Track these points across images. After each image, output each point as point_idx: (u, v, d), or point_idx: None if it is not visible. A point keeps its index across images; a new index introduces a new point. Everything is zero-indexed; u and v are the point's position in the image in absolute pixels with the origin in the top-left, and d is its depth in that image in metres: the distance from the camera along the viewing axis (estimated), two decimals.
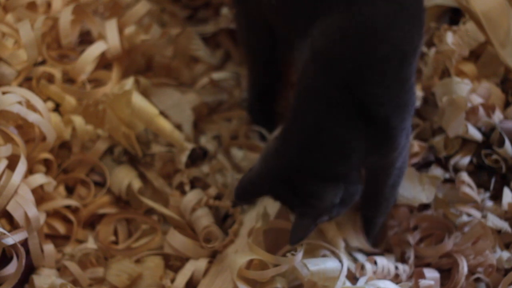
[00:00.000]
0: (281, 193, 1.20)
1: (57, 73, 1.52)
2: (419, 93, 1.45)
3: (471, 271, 1.32)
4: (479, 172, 1.45)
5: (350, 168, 1.19)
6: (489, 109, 1.45)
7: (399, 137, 1.20)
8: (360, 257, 1.34)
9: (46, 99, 1.51)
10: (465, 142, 1.45)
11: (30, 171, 1.41)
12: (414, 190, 1.38)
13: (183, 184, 1.47)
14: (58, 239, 1.43)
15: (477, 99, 1.45)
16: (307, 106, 1.20)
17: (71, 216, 1.43)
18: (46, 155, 1.44)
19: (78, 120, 1.49)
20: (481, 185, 1.43)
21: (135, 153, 1.50)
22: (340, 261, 1.26)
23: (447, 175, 1.43)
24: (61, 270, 1.37)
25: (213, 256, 1.37)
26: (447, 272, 1.35)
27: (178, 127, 1.52)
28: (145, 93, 1.53)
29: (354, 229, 1.35)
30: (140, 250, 1.40)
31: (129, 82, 1.52)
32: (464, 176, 1.41)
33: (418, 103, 1.44)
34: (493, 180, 1.43)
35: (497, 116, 1.44)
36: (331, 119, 1.17)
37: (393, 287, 1.25)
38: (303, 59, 1.24)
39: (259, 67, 1.53)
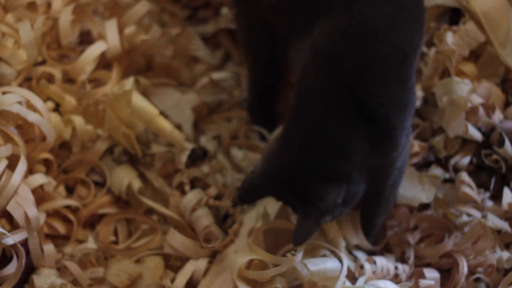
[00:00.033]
0: (283, 194, 1.20)
1: (57, 73, 1.52)
2: (419, 93, 1.45)
3: (471, 271, 1.32)
4: (479, 172, 1.45)
5: (351, 168, 1.19)
6: (489, 109, 1.44)
7: (399, 137, 1.20)
8: (360, 256, 1.34)
9: (46, 99, 1.51)
10: (465, 142, 1.45)
11: (30, 171, 1.41)
12: (414, 190, 1.38)
13: (183, 184, 1.47)
14: (58, 239, 1.43)
15: (477, 99, 1.45)
16: (308, 106, 1.20)
17: (71, 216, 1.43)
18: (46, 155, 1.44)
19: (78, 120, 1.49)
20: (481, 185, 1.43)
21: (135, 153, 1.50)
22: (340, 261, 1.26)
23: (447, 175, 1.43)
24: (61, 270, 1.37)
25: (213, 256, 1.37)
26: (447, 272, 1.35)
27: (178, 127, 1.52)
28: (145, 93, 1.53)
29: (354, 227, 1.35)
30: (140, 250, 1.40)
31: (129, 82, 1.52)
32: (464, 176, 1.41)
33: (418, 103, 1.44)
34: (493, 180, 1.43)
35: (497, 116, 1.44)
36: (331, 119, 1.17)
37: (393, 287, 1.25)
38: (303, 59, 1.24)
39: (259, 67, 1.53)
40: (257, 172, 1.21)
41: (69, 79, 1.55)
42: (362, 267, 1.29)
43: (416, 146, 1.43)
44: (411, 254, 1.36)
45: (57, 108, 1.53)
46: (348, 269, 1.27)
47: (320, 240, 1.32)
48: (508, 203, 1.38)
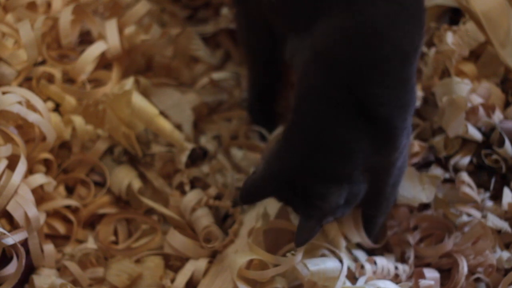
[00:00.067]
0: (285, 195, 1.20)
1: (57, 73, 1.52)
2: (419, 93, 1.45)
3: (471, 271, 1.32)
4: (479, 172, 1.45)
5: (352, 169, 1.19)
6: (489, 109, 1.44)
7: (400, 137, 1.20)
8: (361, 256, 1.34)
9: (46, 99, 1.51)
10: (465, 142, 1.45)
11: (30, 171, 1.41)
12: (414, 190, 1.38)
13: (183, 184, 1.47)
14: (58, 239, 1.43)
15: (477, 99, 1.45)
16: (308, 107, 1.20)
17: (71, 216, 1.43)
18: (46, 155, 1.44)
19: (78, 120, 1.49)
20: (481, 185, 1.43)
21: (135, 153, 1.50)
22: (340, 261, 1.26)
23: (447, 175, 1.43)
24: (61, 270, 1.37)
25: (213, 256, 1.37)
26: (447, 272, 1.35)
27: (178, 127, 1.52)
28: (145, 93, 1.53)
29: (356, 225, 1.35)
30: (140, 250, 1.40)
31: (129, 82, 1.52)
32: (464, 176, 1.41)
33: (418, 103, 1.44)
34: (493, 180, 1.43)
35: (497, 116, 1.44)
36: (332, 119, 1.17)
37: (393, 287, 1.25)
38: (303, 59, 1.24)
39: (259, 67, 1.53)
40: (258, 173, 1.21)
41: (69, 79, 1.55)
42: (362, 267, 1.29)
43: (416, 146, 1.43)
44: (411, 254, 1.36)
45: (57, 108, 1.53)
46: (348, 269, 1.27)
47: (320, 240, 1.32)
48: (508, 203, 1.38)
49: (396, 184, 1.32)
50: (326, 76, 1.19)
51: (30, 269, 1.34)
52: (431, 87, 1.47)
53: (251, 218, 1.39)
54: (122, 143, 1.48)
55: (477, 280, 1.33)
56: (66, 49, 1.54)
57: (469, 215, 1.39)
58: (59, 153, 1.50)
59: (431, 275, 1.31)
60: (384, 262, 1.31)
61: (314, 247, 1.31)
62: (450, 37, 1.47)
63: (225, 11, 1.68)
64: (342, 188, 1.18)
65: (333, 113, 1.17)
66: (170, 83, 1.61)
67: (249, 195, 1.22)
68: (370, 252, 1.36)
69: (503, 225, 1.36)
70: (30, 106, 1.36)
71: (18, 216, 1.27)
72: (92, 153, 1.49)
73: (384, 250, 1.39)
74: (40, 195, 1.40)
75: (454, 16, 1.57)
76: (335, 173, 1.18)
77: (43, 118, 1.36)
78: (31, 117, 1.34)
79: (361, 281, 1.27)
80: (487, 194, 1.42)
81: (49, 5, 1.59)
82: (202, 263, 1.35)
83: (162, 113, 1.50)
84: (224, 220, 1.45)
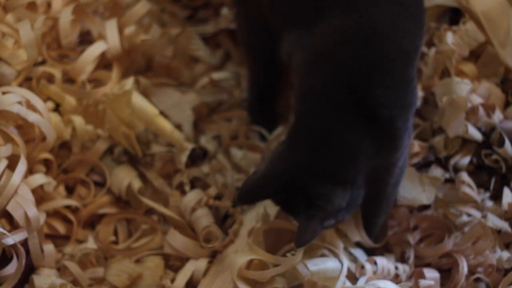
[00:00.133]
0: (286, 197, 1.20)
1: (57, 73, 1.52)
2: (419, 93, 1.45)
3: (471, 271, 1.32)
4: (479, 172, 1.45)
5: (357, 171, 1.18)
6: (489, 109, 1.44)
7: (402, 138, 1.20)
8: (360, 256, 1.34)
9: (46, 99, 1.51)
10: (465, 142, 1.45)
11: (30, 171, 1.41)
12: (414, 191, 1.38)
13: (183, 184, 1.47)
14: (58, 239, 1.43)
15: (477, 99, 1.45)
16: (309, 107, 1.20)
17: (71, 216, 1.43)
18: (46, 155, 1.44)
19: (78, 120, 1.49)
20: (481, 185, 1.43)
21: (135, 153, 1.50)
22: (340, 261, 1.26)
23: (447, 175, 1.43)
24: (61, 270, 1.37)
25: (213, 256, 1.37)
26: (447, 272, 1.35)
27: (178, 127, 1.52)
28: (145, 93, 1.53)
29: (356, 224, 1.35)
30: (140, 250, 1.40)
31: (129, 82, 1.52)
32: (464, 176, 1.41)
33: (418, 103, 1.44)
34: (493, 180, 1.43)
35: (497, 116, 1.44)
36: (333, 120, 1.17)
37: (393, 287, 1.25)
38: (303, 59, 1.24)
39: (259, 67, 1.53)
40: (260, 174, 1.20)
41: (69, 79, 1.55)
42: (362, 267, 1.29)
43: (416, 146, 1.42)
44: (411, 254, 1.36)
45: (57, 108, 1.53)
46: (348, 269, 1.27)
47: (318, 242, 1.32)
48: (508, 203, 1.38)
49: (396, 184, 1.32)
50: (327, 76, 1.19)
51: (30, 269, 1.34)
52: (431, 87, 1.47)
53: (251, 218, 1.39)
54: (122, 143, 1.48)
55: (477, 280, 1.33)
56: (66, 49, 1.54)
57: (469, 215, 1.39)
58: (59, 153, 1.50)
59: (431, 275, 1.31)
60: (384, 262, 1.31)
61: (314, 247, 1.31)
62: (450, 37, 1.47)
63: (225, 11, 1.68)
64: (346, 191, 1.17)
65: (334, 114, 1.17)
66: (170, 83, 1.61)
67: (248, 195, 1.21)
68: (370, 252, 1.36)
69: (503, 225, 1.36)
70: (30, 106, 1.36)
71: (18, 216, 1.27)
72: (92, 153, 1.49)
73: (384, 250, 1.39)
74: (40, 195, 1.40)
75: (454, 16, 1.57)
76: (340, 176, 1.18)
77: (43, 118, 1.36)
78: (31, 117, 1.34)
79: (361, 281, 1.27)
80: (487, 194, 1.42)
81: (49, 5, 1.59)
82: (202, 263, 1.35)
83: (162, 113, 1.50)
84: (224, 220, 1.45)
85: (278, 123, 1.55)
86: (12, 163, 1.29)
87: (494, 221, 1.36)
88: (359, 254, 1.35)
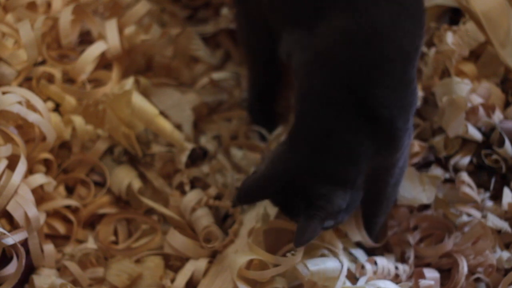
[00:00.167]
0: (286, 197, 1.20)
1: (57, 73, 1.52)
2: (419, 93, 1.45)
3: (471, 271, 1.32)
4: (479, 172, 1.45)
5: (357, 172, 1.18)
6: (489, 109, 1.44)
7: (402, 138, 1.20)
8: (360, 256, 1.34)
9: (46, 99, 1.51)
10: (465, 142, 1.45)
11: (30, 171, 1.41)
12: (414, 190, 1.38)
13: (183, 184, 1.47)
14: (58, 239, 1.43)
15: (477, 99, 1.45)
16: (309, 107, 1.20)
17: (71, 216, 1.43)
18: (46, 155, 1.44)
19: (78, 120, 1.49)
20: (481, 185, 1.43)
21: (135, 153, 1.50)
22: (340, 261, 1.26)
23: (447, 175, 1.43)
24: (61, 270, 1.37)
25: (213, 256, 1.37)
26: (447, 272, 1.35)
27: (178, 127, 1.52)
28: (145, 93, 1.53)
29: (356, 224, 1.35)
30: (140, 250, 1.40)
31: (129, 82, 1.52)
32: (464, 176, 1.41)
33: (418, 103, 1.44)
34: (493, 180, 1.43)
35: (497, 116, 1.44)
36: (333, 121, 1.17)
37: (393, 287, 1.25)
38: (303, 59, 1.24)
39: (259, 67, 1.53)
40: (259, 173, 1.20)
41: (69, 79, 1.55)
42: (363, 267, 1.29)
43: (416, 146, 1.42)
44: (411, 254, 1.36)
45: (57, 108, 1.53)
46: (348, 269, 1.27)
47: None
48: (508, 203, 1.38)
49: (397, 184, 1.32)
50: (327, 77, 1.19)
51: (30, 269, 1.34)
52: (431, 87, 1.47)
53: (251, 218, 1.39)
54: (122, 143, 1.48)
55: (477, 280, 1.33)
56: (66, 49, 1.54)
57: (469, 215, 1.39)
58: (59, 153, 1.50)
59: (431, 275, 1.31)
60: (384, 262, 1.31)
61: (314, 247, 1.31)
62: (450, 37, 1.47)
63: (225, 11, 1.68)
64: (346, 191, 1.17)
65: (334, 114, 1.17)
66: (170, 83, 1.61)
67: (247, 195, 1.21)
68: (370, 252, 1.36)
69: (503, 225, 1.36)
70: (30, 106, 1.36)
71: (18, 216, 1.27)
72: (92, 153, 1.49)
73: (384, 250, 1.39)
74: (40, 195, 1.40)
75: (454, 16, 1.57)
76: (341, 177, 1.18)
77: (43, 118, 1.36)
78: (31, 117, 1.34)
79: (361, 281, 1.27)
80: (487, 194, 1.42)
81: (49, 5, 1.59)
82: (202, 263, 1.35)
83: (162, 113, 1.50)
84: (224, 220, 1.45)
85: (278, 123, 1.55)
86: (12, 163, 1.29)
87: (494, 221, 1.36)
88: (359, 254, 1.35)
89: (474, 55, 1.52)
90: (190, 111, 1.55)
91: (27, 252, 1.30)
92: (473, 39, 1.48)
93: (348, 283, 1.25)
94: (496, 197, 1.42)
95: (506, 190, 1.40)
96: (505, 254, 1.34)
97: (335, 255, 1.29)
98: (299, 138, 1.20)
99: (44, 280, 1.30)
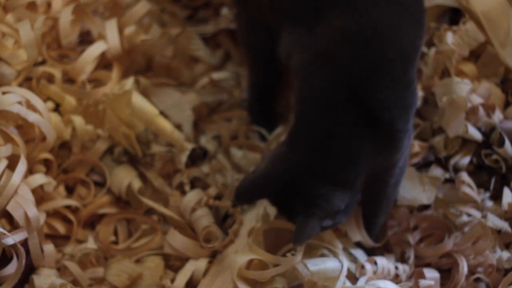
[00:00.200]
0: (285, 197, 1.20)
1: (57, 73, 1.52)
2: (419, 93, 1.45)
3: (471, 271, 1.32)
4: (479, 172, 1.45)
5: (357, 172, 1.18)
6: (489, 109, 1.45)
7: (403, 139, 1.20)
8: (360, 256, 1.34)
9: (46, 99, 1.51)
10: (465, 142, 1.45)
11: (30, 171, 1.41)
12: (414, 191, 1.38)
13: (183, 184, 1.47)
14: (58, 239, 1.43)
15: (477, 99, 1.45)
16: (309, 107, 1.20)
17: (71, 216, 1.43)
18: (46, 155, 1.44)
19: (78, 120, 1.49)
20: (481, 185, 1.43)
21: (135, 153, 1.50)
22: (340, 261, 1.26)
23: (447, 175, 1.43)
24: (61, 270, 1.37)
25: (213, 256, 1.37)
26: (447, 272, 1.35)
27: (178, 127, 1.52)
28: (145, 93, 1.53)
29: (356, 223, 1.35)
30: (140, 250, 1.40)
31: (129, 82, 1.52)
32: (464, 176, 1.41)
33: (418, 103, 1.44)
34: (493, 180, 1.43)
35: (497, 116, 1.44)
36: (335, 121, 1.17)
37: (393, 287, 1.25)
38: (303, 60, 1.24)
39: (259, 67, 1.53)
40: (259, 172, 1.20)
41: (69, 79, 1.55)
42: (362, 267, 1.29)
43: (416, 146, 1.43)
44: (411, 254, 1.36)
45: (57, 108, 1.53)
46: (348, 269, 1.27)
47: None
48: (508, 203, 1.38)
49: (397, 184, 1.32)
50: (327, 77, 1.19)
51: (30, 269, 1.34)
52: (431, 87, 1.47)
53: (251, 218, 1.39)
54: (122, 143, 1.48)
55: (477, 280, 1.33)
56: (66, 49, 1.54)
57: (469, 215, 1.39)
58: (59, 153, 1.50)
59: (431, 275, 1.31)
60: (384, 262, 1.31)
61: (314, 247, 1.31)
62: (450, 37, 1.47)
63: (225, 11, 1.68)
64: (345, 192, 1.18)
65: (334, 114, 1.17)
66: (170, 83, 1.61)
67: (246, 193, 1.21)
68: (370, 252, 1.36)
69: (503, 225, 1.36)
70: (30, 106, 1.36)
71: (18, 216, 1.27)
72: (92, 153, 1.49)
73: (384, 250, 1.39)
74: (40, 195, 1.40)
75: (454, 16, 1.57)
76: (341, 178, 1.18)
77: (43, 118, 1.36)
78: (31, 117, 1.34)
79: (361, 281, 1.27)
80: (487, 194, 1.42)
81: (49, 5, 1.59)
82: (202, 263, 1.35)
83: (162, 113, 1.50)
84: (224, 220, 1.45)
85: (278, 123, 1.55)
86: (12, 163, 1.29)
87: (494, 221, 1.36)
88: (359, 254, 1.35)
89: (474, 55, 1.52)
90: (190, 111, 1.55)
91: (27, 252, 1.30)
92: (473, 39, 1.48)
93: (348, 283, 1.25)
94: (496, 197, 1.42)
95: (506, 190, 1.40)
96: (505, 254, 1.34)
97: (335, 255, 1.29)
98: (299, 138, 1.20)
99: (44, 280, 1.30)
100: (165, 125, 1.49)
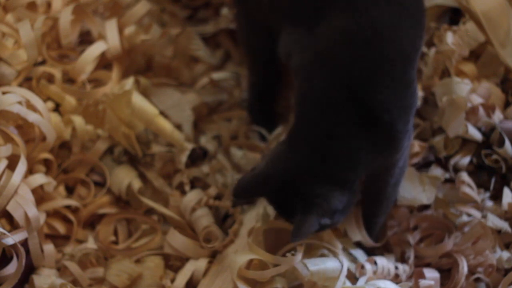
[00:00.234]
0: (285, 196, 1.20)
1: (57, 73, 1.52)
2: (419, 93, 1.45)
3: (471, 271, 1.32)
4: (479, 172, 1.45)
5: (356, 172, 1.18)
6: (489, 109, 1.44)
7: (403, 140, 1.20)
8: (360, 256, 1.34)
9: (46, 99, 1.51)
10: (465, 142, 1.45)
11: (30, 171, 1.41)
12: (414, 191, 1.38)
13: (183, 184, 1.47)
14: (58, 239, 1.43)
15: (477, 99, 1.45)
16: (309, 107, 1.20)
17: (71, 216, 1.43)
18: (46, 155, 1.44)
19: (78, 120, 1.49)
20: (481, 185, 1.43)
21: (135, 153, 1.50)
22: (340, 261, 1.26)
23: (447, 175, 1.43)
24: (61, 270, 1.37)
25: (213, 256, 1.37)
26: (447, 272, 1.35)
27: (178, 127, 1.52)
28: (145, 93, 1.53)
29: (356, 223, 1.35)
30: (140, 250, 1.40)
31: (129, 82, 1.52)
32: (464, 176, 1.41)
33: (418, 103, 1.44)
34: (493, 180, 1.43)
35: (497, 116, 1.44)
36: (335, 121, 1.17)
37: (393, 287, 1.25)
38: (303, 60, 1.24)
39: (259, 67, 1.53)
40: (258, 171, 1.21)
41: (69, 79, 1.55)
42: (362, 267, 1.29)
43: (416, 146, 1.42)
44: (411, 254, 1.36)
45: (57, 108, 1.53)
46: (348, 269, 1.27)
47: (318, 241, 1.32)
48: (508, 203, 1.38)
49: (397, 184, 1.32)
50: (327, 77, 1.19)
51: (30, 269, 1.34)
52: (431, 87, 1.47)
53: (251, 218, 1.39)
54: (122, 143, 1.48)
55: (477, 280, 1.33)
56: (66, 49, 1.54)
57: (469, 215, 1.39)
58: (59, 153, 1.50)
59: (431, 275, 1.31)
60: (384, 262, 1.31)
61: (314, 247, 1.31)
62: (450, 37, 1.47)
63: (225, 11, 1.68)
64: (343, 193, 1.18)
65: (334, 114, 1.17)
66: (170, 83, 1.61)
67: (245, 191, 1.21)
68: (370, 252, 1.36)
69: (503, 225, 1.36)
70: (30, 106, 1.36)
71: (18, 216, 1.27)
72: (92, 153, 1.49)
73: (384, 250, 1.39)
74: (40, 195, 1.40)
75: (454, 16, 1.57)
76: (340, 178, 1.18)
77: (43, 118, 1.36)
78: (31, 117, 1.34)
79: (361, 281, 1.27)
80: (487, 194, 1.42)
81: (49, 5, 1.59)
82: (202, 263, 1.35)
83: (162, 113, 1.50)
84: (224, 220, 1.45)
85: (278, 123, 1.55)
86: (12, 163, 1.29)
87: (494, 221, 1.36)
88: (359, 254, 1.35)
89: (474, 55, 1.52)
90: (190, 111, 1.55)
91: (27, 252, 1.30)
92: (473, 39, 1.48)
93: (348, 283, 1.25)
94: (496, 197, 1.42)
95: (506, 190, 1.40)
96: (505, 254, 1.34)
97: (335, 255, 1.29)
98: (299, 138, 1.20)
99: (44, 280, 1.30)
100: (165, 125, 1.49)
